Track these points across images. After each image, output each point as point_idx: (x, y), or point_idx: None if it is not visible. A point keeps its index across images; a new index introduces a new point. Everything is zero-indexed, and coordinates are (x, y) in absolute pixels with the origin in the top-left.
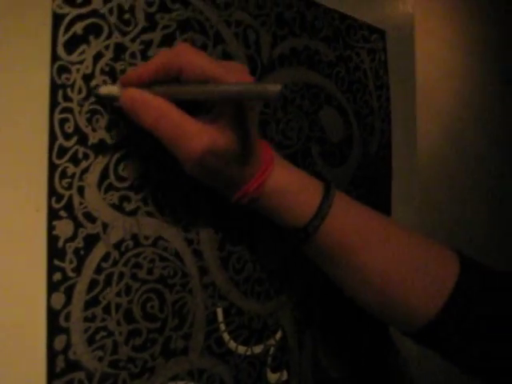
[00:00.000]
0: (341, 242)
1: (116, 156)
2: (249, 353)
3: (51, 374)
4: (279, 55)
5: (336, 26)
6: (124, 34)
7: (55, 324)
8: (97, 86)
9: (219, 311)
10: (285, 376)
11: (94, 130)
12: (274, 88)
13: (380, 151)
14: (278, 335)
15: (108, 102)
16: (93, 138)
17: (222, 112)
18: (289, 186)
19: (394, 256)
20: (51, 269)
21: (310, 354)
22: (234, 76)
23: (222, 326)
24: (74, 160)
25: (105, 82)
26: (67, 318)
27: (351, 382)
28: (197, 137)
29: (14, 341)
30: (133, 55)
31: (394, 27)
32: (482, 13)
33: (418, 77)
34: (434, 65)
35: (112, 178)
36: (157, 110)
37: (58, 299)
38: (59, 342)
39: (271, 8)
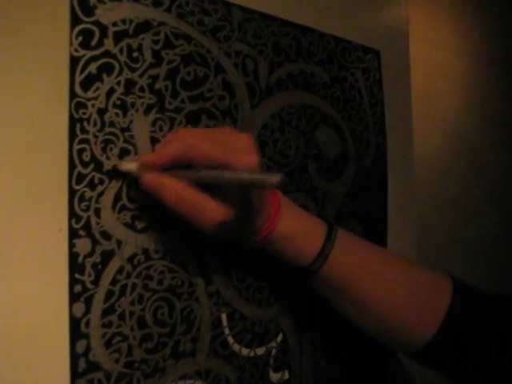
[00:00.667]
0: (343, 276)
1: (127, 180)
2: (252, 354)
3: (74, 374)
4: (276, 80)
5: (331, 49)
6: (133, 70)
7: (76, 330)
8: (119, 163)
9: (223, 316)
10: (286, 375)
11: (108, 157)
12: (273, 179)
13: (375, 164)
14: (279, 338)
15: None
16: (107, 165)
17: (230, 191)
18: (294, 231)
19: (392, 286)
20: (72, 282)
21: (310, 356)
22: (240, 158)
23: (227, 330)
24: (91, 185)
25: (125, 157)
26: (87, 324)
27: (350, 382)
28: (210, 213)
29: (42, 345)
30: (141, 89)
31: (389, 46)
32: (482, 19)
33: (414, 90)
34: (431, 77)
35: (124, 199)
36: (173, 192)
37: (79, 308)
38: (80, 346)
39: (268, 37)
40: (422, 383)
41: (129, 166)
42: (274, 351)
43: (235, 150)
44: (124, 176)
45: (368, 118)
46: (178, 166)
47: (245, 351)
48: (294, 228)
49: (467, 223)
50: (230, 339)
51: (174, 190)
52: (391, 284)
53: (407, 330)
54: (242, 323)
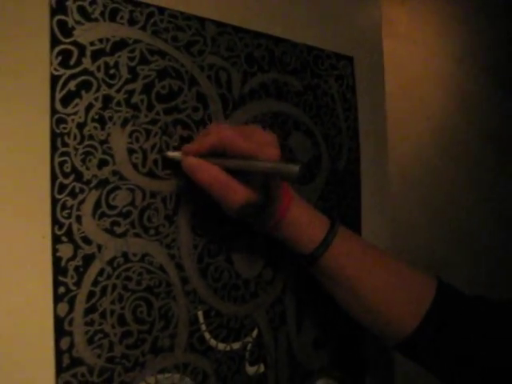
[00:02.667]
0: (340, 266)
1: (107, 188)
2: (228, 349)
3: (59, 369)
4: (249, 90)
5: (303, 58)
6: (110, 86)
7: (61, 328)
8: (166, 152)
9: (200, 314)
10: (262, 368)
11: (87, 168)
12: (294, 168)
13: (348, 167)
14: (255, 333)
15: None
16: (87, 175)
17: (254, 179)
18: (300, 220)
19: (383, 279)
20: (56, 284)
21: (285, 349)
22: (265, 151)
23: (203, 327)
24: (72, 194)
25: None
26: (70, 323)
27: (326, 374)
28: (237, 194)
29: (28, 342)
30: (118, 103)
31: (362, 51)
32: (465, 18)
33: (396, 90)
34: (413, 75)
35: (104, 207)
36: (209, 174)
37: (63, 308)
38: (64, 343)
39: (241, 49)
40: (401, 376)
41: (174, 153)
42: (249, 345)
43: (261, 143)
44: (105, 184)
45: (341, 123)
46: (214, 154)
47: (221, 346)
48: (301, 217)
49: (442, 221)
50: (207, 335)
51: (211, 172)
52: (383, 277)
53: (393, 321)
54: (218, 320)
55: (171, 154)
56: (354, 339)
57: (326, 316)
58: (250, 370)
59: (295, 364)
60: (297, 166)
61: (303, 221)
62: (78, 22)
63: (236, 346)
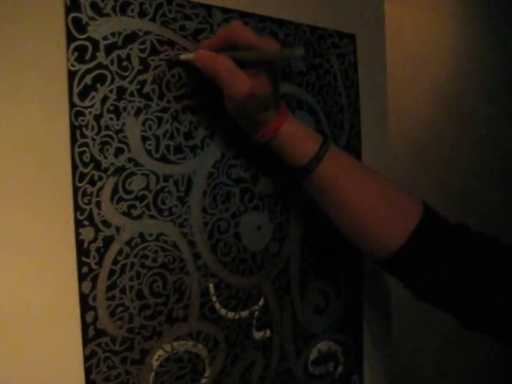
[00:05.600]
0: (332, 178)
1: (123, 175)
2: (237, 317)
3: (85, 340)
4: None
5: (307, 38)
6: (123, 78)
7: (85, 304)
8: (178, 54)
9: (211, 286)
10: (268, 333)
11: (105, 157)
12: (299, 51)
13: (350, 143)
14: (261, 302)
15: (184, 64)
16: (104, 164)
17: (260, 69)
18: (296, 132)
19: (372, 195)
20: (80, 264)
21: (289, 316)
22: (269, 45)
23: (214, 298)
24: (91, 182)
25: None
26: (94, 299)
27: (327, 337)
28: (245, 81)
29: (57, 318)
30: (131, 94)
31: (364, 28)
32: None
33: (389, 69)
34: (406, 54)
35: (121, 192)
36: (219, 62)
37: (86, 286)
38: (89, 317)
39: None
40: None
41: (186, 56)
42: (256, 313)
43: (265, 39)
44: (122, 171)
45: (343, 100)
46: (224, 50)
47: (230, 314)
48: (297, 130)
49: (445, 187)
50: (217, 305)
51: (221, 60)
52: (372, 192)
53: (379, 237)
54: (227, 291)
55: (183, 56)
56: (353, 304)
57: (327, 285)
58: (257, 335)
59: (298, 329)
60: (301, 48)
61: (298, 134)
62: (91, 18)
63: (244, 314)
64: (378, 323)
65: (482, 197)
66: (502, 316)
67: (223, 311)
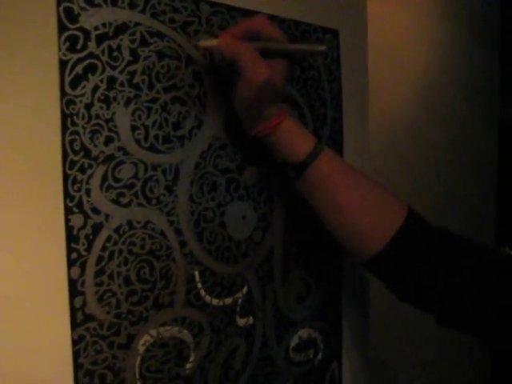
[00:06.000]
0: (325, 177)
1: (113, 163)
2: (221, 304)
3: (73, 324)
4: None
5: (291, 33)
6: (114, 68)
7: (74, 289)
8: (198, 42)
9: (196, 273)
10: (251, 320)
11: (95, 145)
12: (322, 47)
13: (332, 136)
14: (245, 289)
15: (203, 51)
16: (94, 152)
17: (278, 62)
18: (294, 130)
19: (360, 195)
20: (69, 250)
21: (272, 303)
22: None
23: (199, 285)
24: (82, 170)
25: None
26: (82, 284)
27: (308, 324)
28: (264, 67)
29: (46, 302)
30: (122, 84)
31: (347, 23)
32: None
33: (370, 65)
34: (386, 51)
35: (110, 180)
36: (242, 46)
37: (75, 271)
38: (78, 302)
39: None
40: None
41: (207, 42)
42: (240, 300)
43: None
44: (111, 159)
45: (326, 94)
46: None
47: (215, 301)
48: (295, 128)
49: (421, 183)
50: (202, 292)
51: (244, 46)
52: (360, 193)
53: (364, 237)
54: (212, 278)
55: (204, 42)
56: (332, 293)
57: (308, 274)
58: (241, 321)
59: (280, 316)
60: (323, 46)
61: (295, 132)
62: (82, 8)
63: (228, 301)
64: (357, 312)
65: (456, 189)
66: (481, 316)
67: (208, 298)
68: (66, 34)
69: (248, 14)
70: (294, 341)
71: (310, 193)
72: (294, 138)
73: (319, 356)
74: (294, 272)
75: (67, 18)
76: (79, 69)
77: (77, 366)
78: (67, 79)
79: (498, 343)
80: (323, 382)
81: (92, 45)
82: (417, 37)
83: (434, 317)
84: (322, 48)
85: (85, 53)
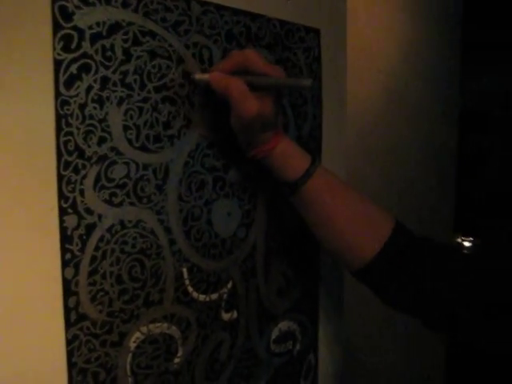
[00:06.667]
0: (318, 194)
1: (106, 163)
2: (207, 299)
3: (67, 323)
4: None
5: (276, 32)
6: (107, 68)
7: (68, 289)
8: (192, 74)
9: (184, 271)
10: (235, 315)
11: (88, 146)
12: (306, 82)
13: (312, 133)
14: (229, 285)
15: (198, 84)
16: (88, 152)
17: (267, 94)
18: (289, 152)
19: (351, 209)
20: (63, 251)
21: (255, 298)
22: (277, 73)
23: (187, 281)
24: (76, 170)
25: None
26: (76, 284)
27: (288, 316)
28: (254, 103)
29: (41, 302)
30: (114, 84)
31: (328, 24)
32: None
33: (355, 43)
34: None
35: (103, 180)
36: (233, 85)
37: (69, 272)
38: (72, 302)
39: (222, 27)
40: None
41: (201, 76)
42: (225, 296)
43: (275, 68)
44: (104, 160)
45: (307, 92)
46: (236, 73)
47: (201, 297)
48: (290, 150)
49: (388, 173)
50: (190, 288)
51: (235, 83)
52: (352, 208)
53: (354, 248)
54: (199, 275)
55: (198, 76)
56: (310, 286)
57: (289, 268)
58: (225, 316)
59: (262, 310)
60: (309, 80)
61: (290, 154)
62: (77, 7)
63: (214, 296)
64: (332, 303)
65: (421, 183)
66: (466, 318)
67: (195, 294)
68: (60, 33)
69: (236, 13)
70: (275, 333)
71: (302, 208)
72: (288, 159)
73: (297, 347)
74: (275, 267)
75: (62, 16)
76: (73, 69)
77: (71, 365)
78: (62, 79)
79: (483, 342)
80: (301, 372)
81: (86, 44)
82: (386, 29)
83: (422, 320)
84: (308, 83)
85: (79, 52)
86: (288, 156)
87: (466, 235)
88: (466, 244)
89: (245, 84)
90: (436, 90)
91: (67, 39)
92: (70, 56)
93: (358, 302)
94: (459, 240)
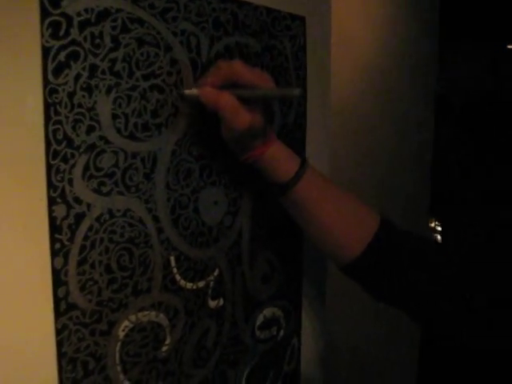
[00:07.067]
0: (307, 195)
1: (94, 152)
2: (194, 287)
3: (57, 313)
4: (215, 54)
5: (263, 20)
6: (95, 55)
7: (58, 279)
8: (181, 89)
9: (172, 259)
10: (222, 302)
11: (77, 134)
12: (295, 92)
13: (297, 120)
14: (216, 272)
15: (188, 99)
16: (77, 141)
17: (257, 104)
18: (280, 155)
19: (339, 207)
20: (53, 240)
21: (241, 285)
22: (266, 82)
23: (175, 270)
24: (64, 159)
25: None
26: (66, 274)
27: (272, 303)
28: (246, 116)
29: (31, 292)
30: (103, 72)
31: (313, 11)
32: None
33: (337, 33)
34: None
35: (92, 169)
36: (224, 100)
37: (59, 262)
38: (61, 292)
39: (209, 14)
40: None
41: (190, 91)
42: (211, 283)
43: (264, 78)
44: (93, 148)
45: (293, 80)
46: (225, 87)
47: (189, 285)
48: (280, 153)
49: (369, 162)
50: (178, 276)
51: (226, 98)
52: (340, 206)
53: (343, 244)
54: (186, 263)
55: (188, 91)
56: (293, 273)
57: (273, 255)
58: (212, 303)
59: (248, 297)
60: (297, 89)
61: (281, 157)
62: None
63: (201, 284)
64: (315, 290)
65: (399, 167)
66: (450, 309)
67: (183, 282)
68: (48, 20)
69: (223, 0)
70: (260, 319)
71: (292, 208)
72: (278, 162)
73: (281, 333)
74: (260, 254)
75: (50, 2)
76: (62, 56)
77: (60, 355)
78: (50, 67)
79: (465, 336)
80: (285, 357)
81: (74, 31)
82: (364, 19)
83: (408, 314)
84: (296, 92)
85: (67, 40)
86: (278, 159)
87: (440, 220)
88: (439, 228)
89: (235, 98)
90: (413, 77)
91: (55, 26)
92: (59, 43)
93: (342, 288)
94: (432, 225)
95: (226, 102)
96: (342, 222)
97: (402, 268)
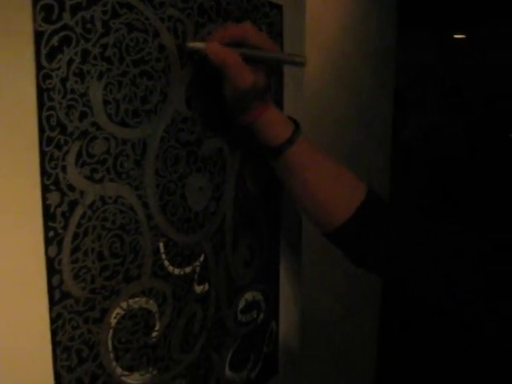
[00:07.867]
0: (298, 160)
1: (87, 139)
2: (182, 273)
3: (51, 302)
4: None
5: (244, 7)
6: (87, 40)
7: (52, 268)
8: (187, 42)
9: (161, 245)
10: (207, 287)
11: (70, 120)
12: (300, 59)
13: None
14: (202, 258)
15: (192, 53)
16: (70, 128)
17: (261, 67)
18: (274, 120)
19: (327, 174)
20: (46, 229)
21: (224, 269)
22: (272, 47)
23: (163, 256)
24: (58, 146)
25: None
26: (59, 262)
27: (253, 287)
28: (250, 75)
29: (24, 281)
30: (95, 57)
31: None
32: None
33: (307, 38)
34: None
35: (85, 156)
36: (230, 57)
37: (53, 250)
38: (55, 280)
39: (194, 1)
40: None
41: (196, 45)
42: (197, 269)
43: (270, 42)
44: (86, 135)
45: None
46: (232, 45)
47: (176, 271)
48: (276, 117)
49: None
50: (166, 262)
51: (232, 55)
52: (329, 173)
53: (329, 210)
54: (174, 249)
55: (192, 44)
56: (272, 257)
57: (253, 240)
58: (198, 288)
59: (230, 281)
60: (303, 57)
61: (277, 120)
62: None
63: (188, 269)
64: (292, 273)
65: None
66: (429, 278)
67: (171, 268)
68: (40, 3)
69: None
70: (242, 303)
71: (283, 171)
72: (273, 126)
73: (261, 316)
74: (241, 239)
75: None
76: (55, 41)
77: (55, 344)
78: (43, 52)
79: (444, 304)
80: (264, 339)
81: (67, 15)
82: (331, 11)
83: (387, 279)
84: (302, 59)
85: (60, 24)
86: (273, 123)
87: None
88: None
89: (240, 57)
90: (373, 64)
91: (48, 9)
92: (51, 27)
93: (318, 270)
94: None
95: (233, 58)
96: (331, 188)
97: (386, 236)
